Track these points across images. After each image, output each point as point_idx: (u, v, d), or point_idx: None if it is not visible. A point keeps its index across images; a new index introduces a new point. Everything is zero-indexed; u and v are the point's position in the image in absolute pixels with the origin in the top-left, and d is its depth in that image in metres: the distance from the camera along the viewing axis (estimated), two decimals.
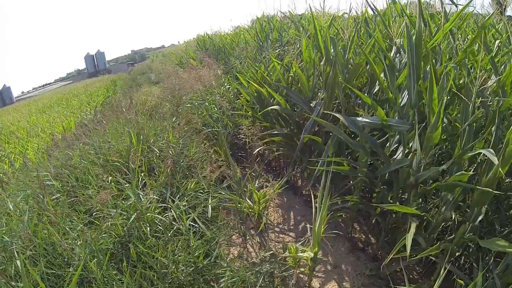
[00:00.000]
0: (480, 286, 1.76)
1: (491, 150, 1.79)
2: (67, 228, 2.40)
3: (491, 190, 1.87)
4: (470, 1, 2.64)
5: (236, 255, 2.80)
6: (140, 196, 2.70)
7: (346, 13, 4.48)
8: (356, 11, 4.38)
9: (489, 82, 2.37)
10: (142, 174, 3.08)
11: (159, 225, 2.53)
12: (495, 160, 1.74)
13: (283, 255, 2.66)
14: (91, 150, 3.67)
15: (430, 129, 2.12)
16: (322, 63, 3.18)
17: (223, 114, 4.50)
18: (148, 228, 2.46)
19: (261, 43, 6.12)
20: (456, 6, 2.94)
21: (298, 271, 2.60)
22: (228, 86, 5.29)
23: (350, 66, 3.08)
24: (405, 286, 1.87)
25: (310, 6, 4.11)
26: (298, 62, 3.78)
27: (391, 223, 2.64)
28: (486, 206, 2.04)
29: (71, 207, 2.77)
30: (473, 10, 3.24)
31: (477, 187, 1.95)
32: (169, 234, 2.43)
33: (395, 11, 3.45)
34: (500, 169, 1.82)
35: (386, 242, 2.69)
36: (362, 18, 3.75)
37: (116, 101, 7.61)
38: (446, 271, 1.82)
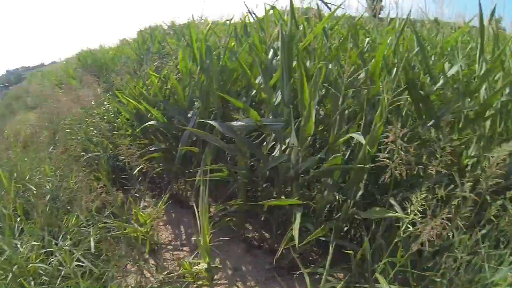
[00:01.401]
0: (369, 250, 1.93)
1: (359, 133, 1.98)
2: None
3: (363, 166, 2.04)
4: (341, 4, 2.86)
5: (134, 284, 2.59)
6: (17, 246, 2.38)
7: (228, 20, 4.52)
8: (240, 18, 4.42)
9: (361, 74, 2.55)
10: (18, 218, 2.74)
11: (44, 275, 2.25)
12: (362, 140, 1.92)
13: (179, 272, 2.54)
14: None
15: (303, 122, 2.20)
16: (197, 72, 3.14)
17: (103, 136, 4.21)
18: (32, 283, 2.17)
19: (142, 56, 5.90)
20: (330, 9, 3.12)
21: (196, 284, 2.51)
22: (108, 105, 4.99)
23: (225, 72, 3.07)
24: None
25: (192, 15, 4.07)
26: (175, 74, 3.69)
27: (279, 216, 2.69)
28: (365, 182, 2.21)
29: None
30: (345, 13, 3.46)
31: (350, 166, 2.11)
32: (58, 282, 2.17)
33: (274, 16, 3.55)
34: (368, 148, 1.98)
35: (280, 234, 2.71)
36: (242, 24, 3.78)
37: None
38: (336, 247, 1.98)
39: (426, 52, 2.74)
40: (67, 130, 4.59)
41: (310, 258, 2.65)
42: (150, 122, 3.38)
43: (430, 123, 2.31)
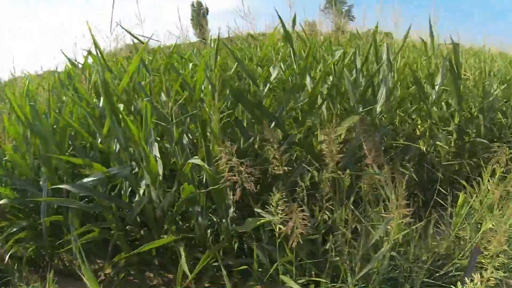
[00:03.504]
0: (263, 259, 2.08)
1: (196, 157, 2.15)
2: None
3: (211, 188, 2.18)
4: (150, 37, 2.93)
5: None
6: None
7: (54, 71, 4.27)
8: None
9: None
10: None
11: None
12: (199, 162, 2.11)
13: None
14: None
15: (145, 163, 2.20)
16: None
17: None
18: None
19: None
20: (142, 42, 3.12)
21: None
22: None
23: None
24: None
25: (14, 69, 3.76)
26: (11, 141, 3.36)
27: (172, 255, 2.65)
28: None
29: None
30: (161, 45, 3.52)
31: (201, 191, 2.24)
32: None
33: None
34: (208, 169, 2.14)
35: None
36: (64, 75, 3.59)
37: None
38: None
39: (245, 63, 2.97)
40: None
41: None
42: (1, 202, 3.01)
43: (272, 125, 2.49)
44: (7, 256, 3.00)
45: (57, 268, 3.19)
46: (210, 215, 2.56)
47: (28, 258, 3.41)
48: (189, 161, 2.09)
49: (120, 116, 2.24)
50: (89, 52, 3.25)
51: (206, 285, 2.64)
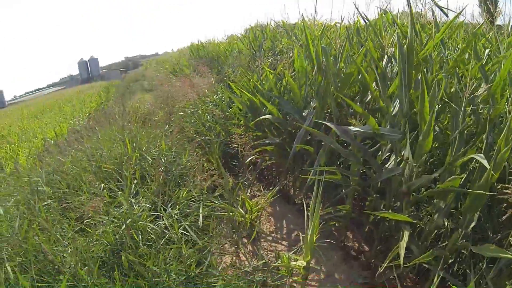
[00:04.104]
0: None
1: (482, 155, 1.83)
2: (58, 235, 2.38)
3: (484, 192, 1.89)
4: (461, 11, 2.66)
5: (228, 264, 2.76)
6: (133, 204, 2.70)
7: (338, 23, 4.53)
8: (348, 21, 4.41)
9: (479, 90, 2.39)
10: (135, 181, 3.08)
11: (151, 234, 2.52)
12: (486, 164, 1.77)
13: (276, 264, 2.63)
14: (83, 157, 3.68)
15: (422, 137, 2.14)
16: (314, 72, 3.21)
17: (216, 123, 4.50)
18: (140, 236, 2.45)
19: (254, 52, 6.14)
20: (447, 16, 2.97)
21: (291, 280, 2.56)
22: (221, 95, 5.28)
23: (342, 75, 3.09)
24: None
25: (303, 15, 4.17)
26: (290, 71, 3.80)
27: (384, 231, 2.63)
28: (478, 213, 2.06)
29: (62, 213, 2.76)
30: (463, 20, 3.26)
31: (469, 191, 1.98)
32: (161, 243, 2.43)
33: (387, 21, 3.51)
34: (492, 173, 1.85)
35: (380, 250, 2.67)
36: (354, 28, 3.78)
37: (109, 108, 7.61)
38: (439, 278, 1.85)
39: None
40: (182, 113, 4.99)
41: (405, 283, 2.56)
42: (266, 116, 3.53)
43: None
44: (248, 159, 3.49)
45: (279, 187, 3.60)
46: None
47: (261, 168, 3.97)
48: (472, 156, 1.91)
49: (421, 83, 2.18)
50: (385, 11, 3.31)
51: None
